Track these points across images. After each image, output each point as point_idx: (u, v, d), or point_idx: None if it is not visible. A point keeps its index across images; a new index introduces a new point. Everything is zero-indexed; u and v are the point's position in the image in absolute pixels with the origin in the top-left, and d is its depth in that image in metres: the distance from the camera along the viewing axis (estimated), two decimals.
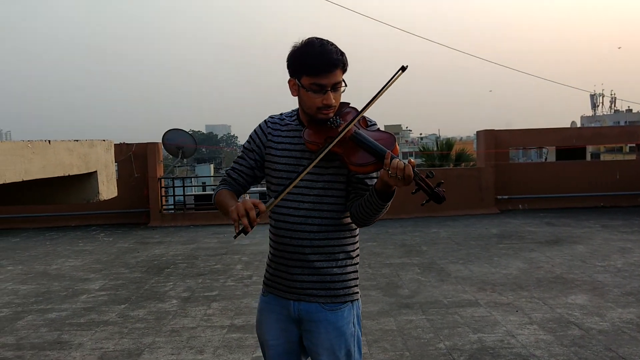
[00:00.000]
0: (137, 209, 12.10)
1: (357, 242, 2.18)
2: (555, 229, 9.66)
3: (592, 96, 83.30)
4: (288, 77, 2.06)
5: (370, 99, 1.99)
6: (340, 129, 1.97)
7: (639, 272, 6.49)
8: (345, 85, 2.01)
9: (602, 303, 5.32)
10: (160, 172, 12.47)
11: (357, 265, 2.19)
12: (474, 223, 10.68)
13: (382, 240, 9.05)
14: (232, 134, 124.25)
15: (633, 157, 14.00)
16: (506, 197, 12.22)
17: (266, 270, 2.25)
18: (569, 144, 12.77)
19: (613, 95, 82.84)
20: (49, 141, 2.86)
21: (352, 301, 2.14)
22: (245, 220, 1.81)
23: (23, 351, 4.59)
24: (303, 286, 2.09)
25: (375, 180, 2.06)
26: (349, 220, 2.12)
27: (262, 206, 1.85)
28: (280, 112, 2.24)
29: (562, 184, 12.26)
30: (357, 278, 2.18)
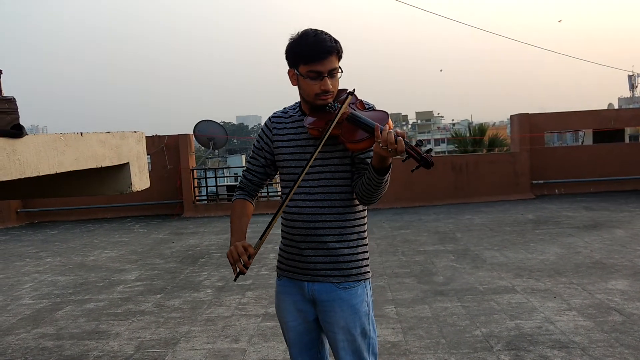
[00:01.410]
0: (170, 201, 12.26)
1: (366, 222, 2.27)
2: (594, 214, 9.43)
3: (630, 77, 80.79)
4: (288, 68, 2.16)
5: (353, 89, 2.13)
6: (337, 112, 2.07)
7: None
8: (342, 72, 2.10)
9: None
10: (192, 163, 12.58)
11: (367, 246, 2.26)
12: (508, 209, 10.50)
13: (416, 228, 8.97)
14: (262, 124, 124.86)
15: None
16: (542, 181, 11.98)
17: (279, 254, 2.33)
18: (607, 127, 12.43)
19: None
20: (81, 133, 2.88)
21: (364, 280, 2.22)
22: (239, 265, 2.05)
23: (62, 341, 4.68)
24: (317, 267, 2.17)
25: (371, 158, 2.13)
26: (357, 201, 2.20)
27: (251, 249, 2.07)
28: (283, 107, 2.34)
29: (600, 167, 11.96)
30: (368, 258, 2.26)
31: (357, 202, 2.20)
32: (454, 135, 21.69)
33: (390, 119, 2.04)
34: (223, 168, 15.86)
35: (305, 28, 2.11)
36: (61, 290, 6.35)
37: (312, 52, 2.03)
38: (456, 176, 11.66)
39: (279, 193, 14.18)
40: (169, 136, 12.38)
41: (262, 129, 2.31)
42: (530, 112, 12.42)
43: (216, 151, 15.24)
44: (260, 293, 5.73)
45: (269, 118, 2.31)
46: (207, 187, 12.95)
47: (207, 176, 12.97)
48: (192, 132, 13.02)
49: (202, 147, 14.49)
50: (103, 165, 3.02)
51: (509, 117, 13.21)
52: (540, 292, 5.23)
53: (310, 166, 2.08)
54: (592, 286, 5.30)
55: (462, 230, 8.61)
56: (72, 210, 12.34)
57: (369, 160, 2.14)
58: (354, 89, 2.14)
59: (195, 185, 12.47)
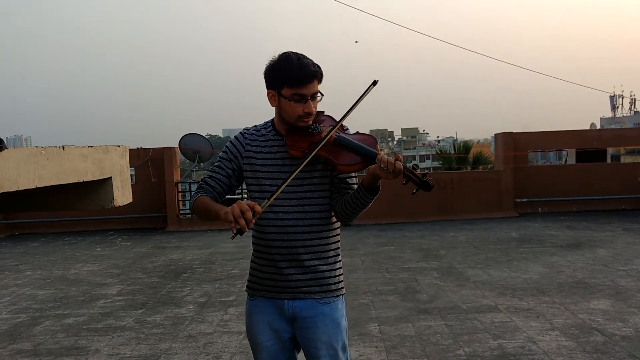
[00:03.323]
0: (154, 214, 12.15)
1: (340, 239, 2.33)
2: (576, 233, 9.50)
3: (612, 97, 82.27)
4: (266, 89, 2.21)
5: (347, 110, 2.17)
6: (323, 134, 2.14)
7: None
8: (322, 95, 2.18)
9: (625, 308, 5.20)
10: (177, 176, 12.50)
11: (341, 262, 2.32)
12: (492, 227, 10.55)
13: (400, 245, 8.97)
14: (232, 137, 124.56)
15: None
16: (525, 200, 12.06)
17: (252, 275, 2.32)
18: (589, 146, 12.57)
19: (633, 97, 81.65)
20: (63, 147, 2.84)
21: (341, 295, 2.28)
22: (242, 221, 1.91)
23: (40, 357, 4.60)
24: (297, 285, 2.19)
25: (354, 179, 2.28)
26: (334, 219, 2.27)
27: (258, 207, 1.96)
28: (254, 125, 2.37)
29: (583, 186, 12.07)
30: (342, 273, 2.32)
31: (334, 220, 2.26)
32: (439, 152, 21.82)
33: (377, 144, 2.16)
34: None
35: (284, 51, 2.16)
36: (40, 304, 6.25)
37: (297, 76, 2.09)
38: (441, 193, 11.70)
39: None
40: (154, 149, 12.30)
41: (232, 142, 2.32)
42: (514, 131, 12.54)
43: (202, 164, 15.16)
44: (243, 310, 5.62)
45: (242, 133, 2.33)
46: (191, 200, 12.85)
47: (192, 190, 12.87)
48: (177, 145, 12.96)
49: (187, 161, 14.43)
50: (85, 180, 2.98)
51: (493, 135, 13.32)
52: (523, 311, 5.24)
53: (289, 185, 2.10)
54: (575, 306, 5.32)
55: (446, 247, 8.63)
56: (53, 223, 12.18)
57: (349, 180, 2.25)
58: (342, 119, 2.18)
59: (180, 198, 12.38)
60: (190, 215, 12.78)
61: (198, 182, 13.10)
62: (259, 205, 1.98)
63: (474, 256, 7.88)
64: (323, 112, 2.27)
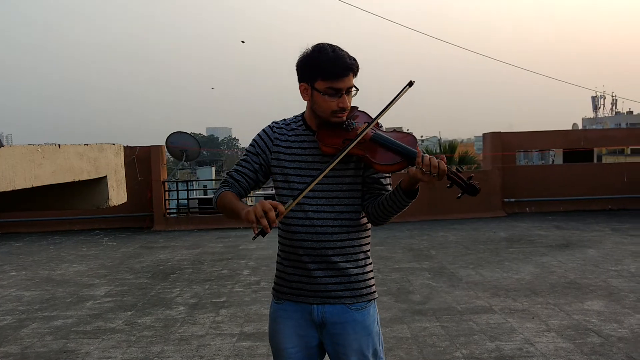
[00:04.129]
0: (140, 213, 12.00)
1: (370, 241, 2.23)
2: (565, 233, 9.54)
3: (594, 98, 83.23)
4: (297, 81, 2.10)
5: (382, 108, 2.06)
6: (359, 131, 2.03)
7: None
8: (357, 89, 2.06)
9: (618, 309, 5.20)
10: (164, 175, 12.36)
11: (372, 264, 2.23)
12: (481, 226, 10.56)
13: (390, 244, 8.94)
14: (233, 136, 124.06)
15: None
16: (513, 200, 12.11)
17: (278, 277, 2.23)
18: (576, 147, 12.65)
19: (614, 97, 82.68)
20: (59, 145, 2.75)
21: (373, 299, 2.18)
22: (264, 222, 1.81)
23: None
24: (327, 288, 2.10)
25: (388, 179, 2.17)
26: (365, 220, 2.16)
27: (281, 207, 1.85)
28: (283, 118, 2.25)
29: (570, 186, 12.14)
30: (374, 277, 2.22)
31: (365, 221, 2.16)
32: (424, 152, 21.78)
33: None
34: (195, 180, 15.67)
35: (318, 43, 2.06)
36: (26, 306, 6.10)
37: (332, 69, 1.98)
38: (429, 193, 11.69)
39: None
40: (140, 147, 12.15)
41: (261, 135, 2.20)
42: (502, 131, 12.58)
43: (186, 163, 15.03)
44: (235, 311, 5.60)
45: (271, 127, 2.21)
46: (178, 199, 12.73)
47: (179, 189, 12.75)
48: (164, 144, 12.82)
49: (172, 159, 14.28)
50: (81, 179, 2.89)
51: (475, 135, 13.36)
52: (518, 312, 5.22)
53: (320, 183, 2.01)
54: (569, 307, 5.32)
55: (436, 247, 8.61)
56: (37, 222, 11.98)
57: (383, 181, 2.15)
58: (378, 116, 2.06)
59: (167, 197, 12.25)
60: (176, 215, 12.66)
61: (185, 181, 12.95)
62: (284, 205, 1.88)
63: (465, 256, 7.87)
64: (357, 107, 2.15)
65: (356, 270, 2.12)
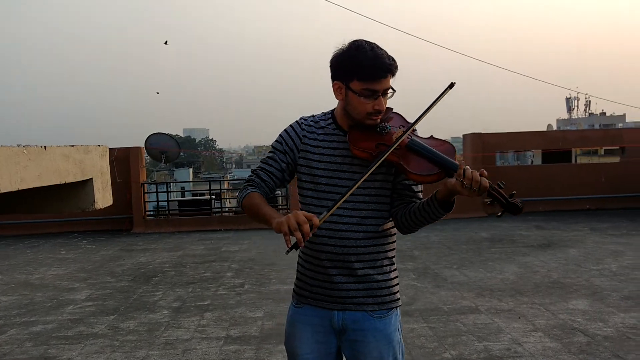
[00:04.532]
0: (119, 215, 11.82)
1: (395, 247, 2.14)
2: (546, 233, 9.63)
3: (568, 99, 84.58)
4: (330, 79, 2.01)
5: (421, 113, 1.94)
6: (394, 136, 1.94)
7: (634, 275, 6.46)
8: (394, 91, 1.95)
9: (603, 308, 5.25)
10: (143, 177, 12.21)
11: (397, 271, 2.15)
12: (463, 227, 10.61)
13: None
14: (210, 137, 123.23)
15: (617, 159, 14.10)
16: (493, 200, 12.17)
17: (299, 279, 2.15)
18: (555, 147, 12.80)
19: (588, 98, 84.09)
20: (45, 147, 2.67)
21: (396, 307, 2.11)
22: (299, 235, 1.73)
23: None
24: (349, 295, 2.03)
25: (420, 186, 2.07)
26: (390, 225, 2.08)
27: (316, 220, 1.76)
28: (311, 114, 2.15)
29: (549, 187, 12.27)
30: (398, 284, 2.14)
31: (391, 226, 2.08)
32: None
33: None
34: (176, 182, 15.50)
35: (356, 39, 1.95)
36: (4, 311, 5.95)
37: (370, 70, 1.88)
38: None
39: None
40: (119, 149, 11.98)
41: (288, 132, 2.10)
42: (481, 132, 12.68)
43: (166, 164, 14.87)
44: (220, 314, 5.52)
45: (299, 123, 2.11)
46: (158, 201, 12.58)
47: (159, 190, 12.59)
48: (143, 145, 12.66)
49: (149, 160, 14.10)
50: (67, 181, 2.81)
51: (452, 136, 13.46)
52: (504, 312, 5.23)
53: (344, 187, 1.94)
54: (554, 306, 5.35)
55: (419, 248, 8.62)
56: (12, 225, 11.73)
57: (415, 188, 2.06)
58: (415, 122, 1.95)
59: (146, 199, 12.09)
60: (154, 217, 12.51)
61: (165, 182, 12.74)
62: (317, 216, 1.78)
63: (448, 257, 7.89)
64: (392, 109, 2.05)
65: (380, 277, 2.05)
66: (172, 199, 13.52)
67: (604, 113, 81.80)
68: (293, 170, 2.10)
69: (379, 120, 1.97)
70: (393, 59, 1.92)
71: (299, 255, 2.15)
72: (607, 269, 6.80)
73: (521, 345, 4.38)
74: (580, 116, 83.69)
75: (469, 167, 1.83)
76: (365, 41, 1.94)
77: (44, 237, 11.22)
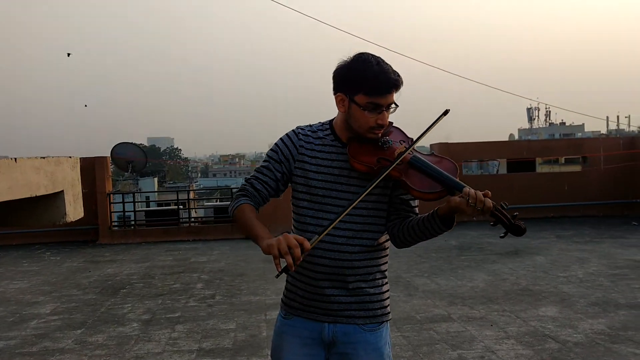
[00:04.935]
0: (84, 226, 11.55)
1: (387, 261, 2.15)
2: (512, 240, 9.77)
3: (529, 109, 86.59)
4: (333, 90, 2.00)
5: (421, 133, 1.98)
6: (396, 152, 1.94)
7: (600, 281, 6.60)
8: (397, 106, 1.96)
9: (571, 314, 5.35)
10: (109, 187, 11.98)
11: (388, 284, 2.15)
12: None
13: None
14: (175, 146, 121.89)
15: (578, 168, 14.45)
16: None
17: (289, 290, 2.11)
18: (520, 157, 13.05)
19: (548, 109, 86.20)
20: (15, 159, 2.59)
21: (387, 320, 2.10)
22: (290, 259, 1.71)
23: None
24: (341, 307, 2.01)
25: (417, 201, 2.06)
26: (385, 239, 2.08)
27: (307, 244, 1.75)
28: (308, 124, 2.12)
29: (514, 195, 12.46)
30: (389, 297, 2.14)
31: (385, 240, 2.08)
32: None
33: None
34: (139, 192, 15.24)
35: (361, 52, 1.95)
36: None
37: (377, 84, 1.88)
38: None
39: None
40: (84, 158, 11.72)
41: (284, 141, 2.06)
42: (448, 142, 12.85)
43: (132, 174, 14.64)
44: (192, 326, 5.43)
45: (295, 132, 2.07)
46: (124, 212, 12.36)
47: (125, 200, 12.38)
48: (108, 155, 12.44)
49: (115, 169, 13.86)
50: (38, 194, 2.73)
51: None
52: (476, 320, 5.28)
53: (343, 199, 1.94)
54: (525, 313, 5.43)
55: (390, 256, 8.49)
56: None
57: (412, 203, 2.05)
58: (416, 140, 1.98)
59: (112, 210, 11.86)
60: (117, 227, 12.29)
61: (131, 192, 12.50)
62: (309, 240, 1.76)
63: (419, 265, 7.94)
64: (392, 122, 2.05)
65: (372, 290, 2.04)
66: (139, 209, 13.32)
67: (564, 123, 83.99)
68: (288, 180, 2.07)
69: (380, 134, 1.97)
70: (398, 74, 1.93)
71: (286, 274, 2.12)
72: (574, 275, 6.94)
73: (494, 352, 4.42)
74: (541, 126, 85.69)
75: (473, 189, 1.83)
76: (372, 55, 1.94)
77: (5, 249, 10.88)
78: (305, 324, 2.05)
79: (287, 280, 2.13)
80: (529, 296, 6.04)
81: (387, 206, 2.04)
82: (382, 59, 1.94)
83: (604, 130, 67.02)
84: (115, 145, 12.48)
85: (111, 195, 11.91)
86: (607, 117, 67.98)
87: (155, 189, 30.77)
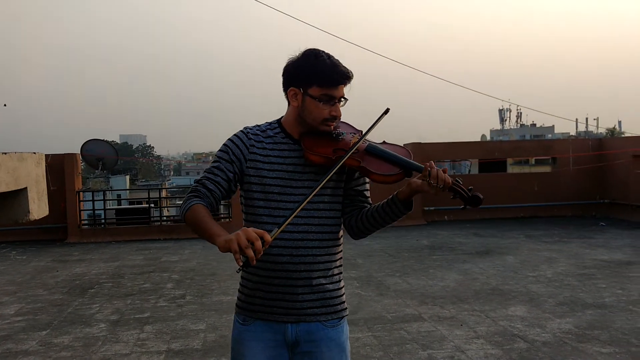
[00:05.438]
0: (52, 225, 11.33)
1: (342, 255, 2.16)
2: (483, 240, 9.88)
3: (501, 111, 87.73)
4: (283, 86, 2.05)
5: (371, 124, 2.06)
6: (350, 142, 2.01)
7: (568, 281, 6.70)
8: (346, 100, 2.02)
9: (540, 314, 5.41)
10: (78, 185, 11.77)
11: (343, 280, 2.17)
12: (404, 234, 10.75)
13: None
14: (147, 144, 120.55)
15: (548, 169, 14.67)
16: (432, 208, 12.43)
17: (246, 294, 2.07)
18: (492, 157, 13.20)
19: (519, 110, 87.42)
20: None
21: (346, 316, 2.13)
22: (250, 252, 1.67)
23: None
24: (304, 306, 2.01)
25: (369, 192, 2.14)
26: (341, 233, 2.11)
27: (268, 236, 1.71)
28: (255, 124, 2.13)
29: (485, 195, 12.55)
30: (345, 293, 2.16)
31: (341, 235, 2.10)
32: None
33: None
34: (110, 190, 15.02)
35: (311, 48, 2.01)
36: None
37: (331, 75, 1.94)
38: None
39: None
40: (53, 155, 11.51)
41: (234, 141, 2.04)
42: (421, 142, 12.94)
43: (103, 172, 14.41)
44: (161, 327, 5.36)
45: (245, 133, 2.05)
46: (94, 210, 12.16)
47: (95, 199, 12.17)
48: (78, 152, 12.22)
49: (85, 166, 13.65)
50: None
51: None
52: (447, 319, 5.31)
53: (297, 194, 1.97)
54: (494, 313, 5.47)
55: (362, 256, 8.66)
56: None
57: (366, 193, 2.12)
58: (366, 132, 2.05)
59: (82, 208, 11.66)
60: (88, 226, 12.09)
61: (101, 190, 12.29)
62: (269, 232, 1.74)
63: (391, 264, 7.97)
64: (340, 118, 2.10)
65: (331, 287, 2.05)
66: (109, 207, 13.12)
67: (535, 124, 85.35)
68: (238, 181, 2.05)
69: (333, 126, 2.02)
70: (348, 69, 1.99)
71: (250, 271, 2.07)
72: (543, 275, 7.03)
73: (464, 352, 4.44)
74: (512, 127, 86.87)
75: (434, 167, 1.92)
76: (322, 50, 2.00)
77: None
78: (267, 326, 2.02)
79: (241, 284, 2.10)
80: (498, 296, 6.10)
81: (342, 199, 2.08)
82: (331, 54, 1.99)
83: (573, 132, 68.41)
84: (85, 142, 12.27)
85: (80, 193, 11.70)
86: (577, 119, 69.31)
87: (127, 187, 30.43)
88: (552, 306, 5.66)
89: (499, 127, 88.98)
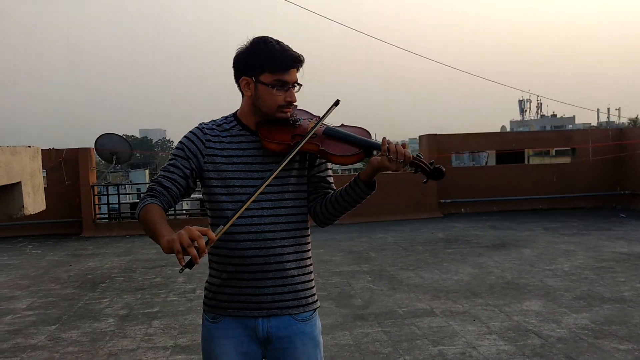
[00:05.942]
0: (68, 219, 11.40)
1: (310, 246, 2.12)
2: (500, 233, 9.71)
3: (521, 101, 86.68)
4: (235, 76, 1.98)
5: (327, 109, 2.01)
6: (308, 127, 1.96)
7: (585, 275, 6.53)
8: (300, 85, 1.97)
9: (556, 309, 5.26)
10: (93, 179, 11.81)
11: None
12: (418, 227, 10.62)
13: (330, 247, 8.82)
14: (167, 138, 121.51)
15: (568, 160, 14.38)
16: (449, 200, 12.27)
17: (213, 292, 2.01)
18: (509, 148, 12.97)
19: (539, 101, 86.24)
20: None
21: (317, 308, 2.08)
22: (193, 251, 1.60)
23: None
24: (274, 299, 1.95)
25: (332, 177, 2.10)
26: (308, 223, 2.06)
27: (212, 234, 1.65)
28: (211, 119, 2.08)
29: (503, 187, 12.41)
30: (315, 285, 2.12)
31: (309, 224, 2.06)
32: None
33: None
34: (125, 184, 15.09)
35: (259, 36, 1.94)
36: None
37: (282, 60, 1.89)
38: None
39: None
40: (67, 150, 11.57)
41: (189, 138, 1.99)
42: (437, 133, 12.75)
43: (117, 166, 14.45)
44: (169, 322, 5.31)
45: (200, 128, 2.01)
46: (108, 204, 12.20)
47: (110, 192, 12.22)
48: (93, 146, 12.26)
49: (103, 162, 13.70)
50: None
51: (409, 138, 13.53)
52: (459, 314, 5.19)
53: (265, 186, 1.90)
54: (508, 307, 5.34)
55: (375, 249, 8.56)
56: None
57: (329, 179, 2.08)
58: (320, 119, 2.00)
59: (96, 202, 11.70)
60: (107, 220, 12.14)
61: (115, 184, 12.34)
62: (213, 231, 1.68)
63: (404, 258, 7.85)
64: (296, 105, 2.02)
65: (303, 278, 2.00)
66: (124, 201, 13.15)
67: (555, 115, 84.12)
68: (197, 177, 1.99)
69: (289, 113, 1.96)
70: (299, 52, 1.94)
71: (211, 266, 2.02)
72: (560, 268, 6.86)
73: (476, 348, 4.32)
74: (532, 118, 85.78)
75: (391, 142, 1.89)
76: (269, 37, 1.94)
77: None
78: (237, 322, 1.96)
79: (208, 282, 2.04)
80: (513, 290, 5.95)
81: (307, 187, 2.03)
82: (280, 40, 1.94)
83: (594, 123, 67.20)
84: (99, 137, 12.30)
85: (95, 187, 11.74)
86: (598, 110, 68.12)
87: (147, 181, 30.59)
88: (568, 300, 5.51)
89: (519, 118, 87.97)
